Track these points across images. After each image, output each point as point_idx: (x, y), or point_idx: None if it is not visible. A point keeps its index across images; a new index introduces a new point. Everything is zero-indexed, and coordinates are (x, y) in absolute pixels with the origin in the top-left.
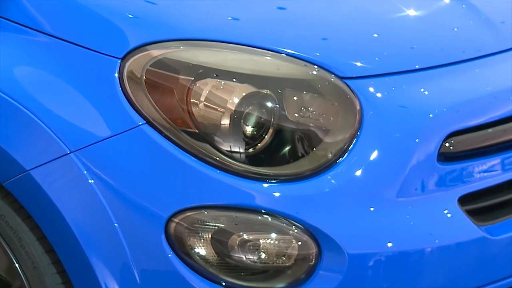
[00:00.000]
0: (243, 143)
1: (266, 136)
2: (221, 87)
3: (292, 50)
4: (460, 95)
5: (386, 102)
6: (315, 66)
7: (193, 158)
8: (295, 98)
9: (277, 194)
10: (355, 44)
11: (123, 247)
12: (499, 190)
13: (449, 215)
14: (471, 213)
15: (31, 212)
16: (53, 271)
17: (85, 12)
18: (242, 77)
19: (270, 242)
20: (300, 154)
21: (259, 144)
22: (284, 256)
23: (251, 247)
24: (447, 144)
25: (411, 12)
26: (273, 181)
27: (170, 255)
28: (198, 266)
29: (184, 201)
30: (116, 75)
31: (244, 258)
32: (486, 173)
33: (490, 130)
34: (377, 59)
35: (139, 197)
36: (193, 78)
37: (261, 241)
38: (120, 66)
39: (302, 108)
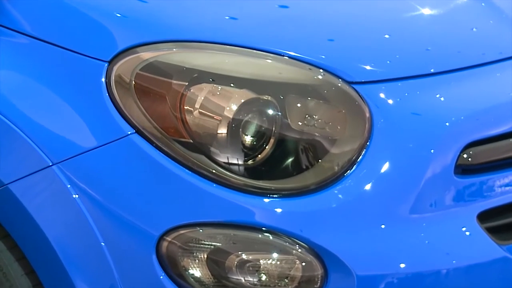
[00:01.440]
0: (241, 154)
1: (267, 147)
2: (218, 93)
3: (296, 52)
4: (480, 101)
5: (399, 109)
6: (321, 70)
7: (187, 170)
8: (298, 104)
9: (279, 210)
10: (365, 45)
11: (110, 268)
12: None
13: (467, 233)
14: (491, 231)
15: (9, 230)
16: None
17: (68, 11)
18: (240, 82)
19: (271, 263)
20: (304, 166)
21: (259, 156)
22: (286, 278)
23: (251, 268)
24: (465, 155)
25: (426, 11)
26: (274, 195)
27: (162, 277)
28: None
29: (177, 218)
30: (103, 79)
31: (243, 280)
32: (508, 187)
33: None
34: (388, 62)
35: (128, 214)
36: (187, 83)
37: (261, 261)
38: (107, 70)
39: (307, 116)
